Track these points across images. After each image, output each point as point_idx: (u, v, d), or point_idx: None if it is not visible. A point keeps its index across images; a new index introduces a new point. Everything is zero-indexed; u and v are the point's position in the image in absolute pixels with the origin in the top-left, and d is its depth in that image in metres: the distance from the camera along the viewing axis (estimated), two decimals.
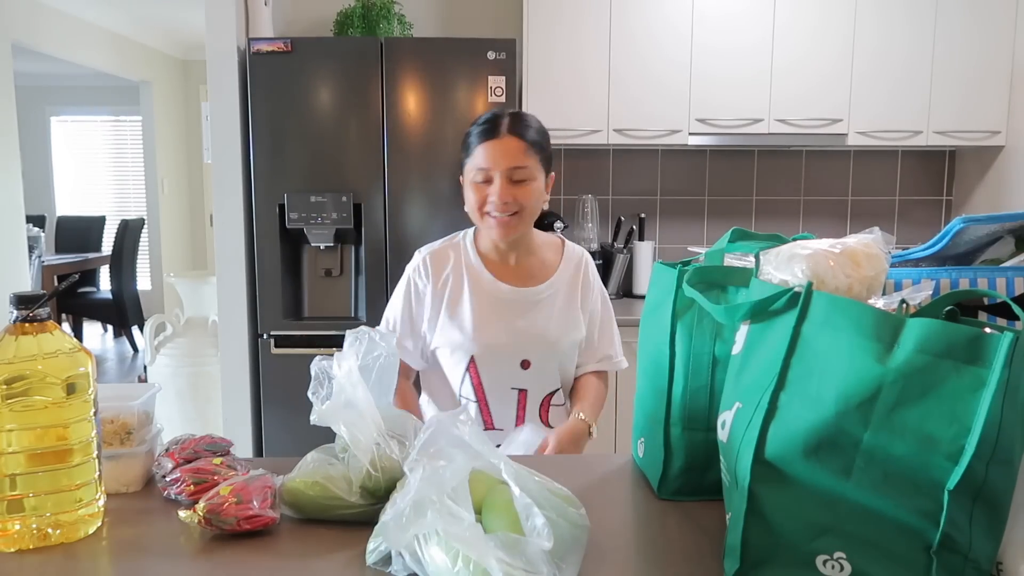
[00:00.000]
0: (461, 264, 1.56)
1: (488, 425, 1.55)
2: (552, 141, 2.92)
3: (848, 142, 2.99)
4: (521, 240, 1.55)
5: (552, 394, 1.57)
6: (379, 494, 1.02)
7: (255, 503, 0.98)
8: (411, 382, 1.62)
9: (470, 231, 1.61)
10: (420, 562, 0.83)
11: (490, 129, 1.46)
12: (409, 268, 1.60)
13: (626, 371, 2.78)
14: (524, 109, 2.92)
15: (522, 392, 1.55)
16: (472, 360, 1.53)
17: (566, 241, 1.66)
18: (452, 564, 0.80)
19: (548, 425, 1.56)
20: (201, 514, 0.95)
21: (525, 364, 1.54)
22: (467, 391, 1.55)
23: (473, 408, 1.54)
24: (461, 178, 1.54)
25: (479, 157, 1.46)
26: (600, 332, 1.65)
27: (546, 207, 1.55)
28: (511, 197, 1.45)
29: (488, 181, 1.46)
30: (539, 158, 1.49)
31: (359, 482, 1.02)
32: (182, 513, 0.97)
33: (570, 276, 1.60)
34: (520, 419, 1.55)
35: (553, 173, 1.56)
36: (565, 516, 0.86)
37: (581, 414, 1.53)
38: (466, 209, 1.52)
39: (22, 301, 0.94)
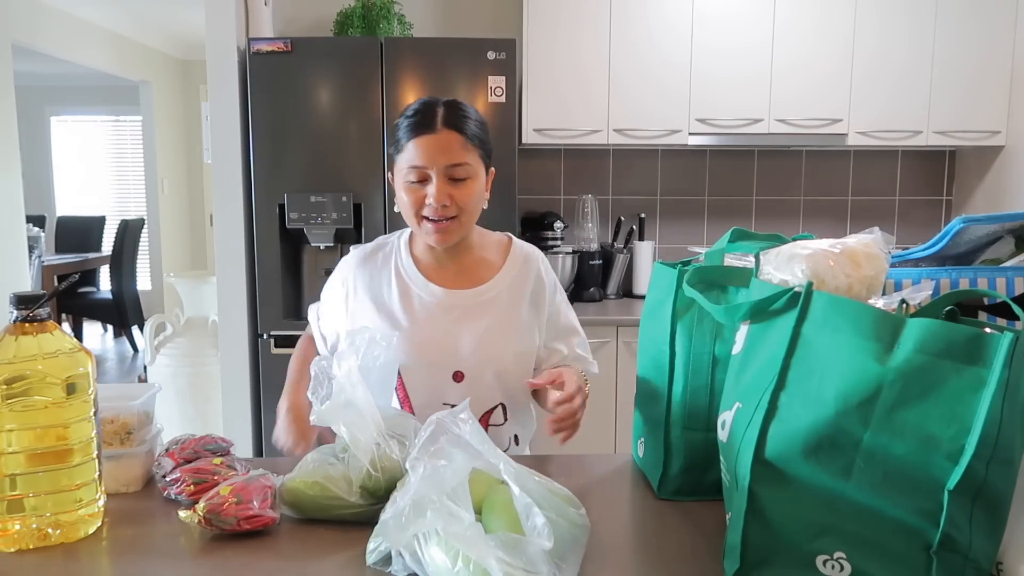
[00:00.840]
0: (390, 266, 1.42)
1: None
2: (552, 141, 2.97)
3: (848, 142, 2.99)
4: (461, 240, 1.39)
5: (491, 412, 1.38)
6: (379, 494, 1.02)
7: (255, 503, 0.98)
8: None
9: (406, 231, 1.46)
10: (420, 562, 0.83)
11: (424, 121, 1.29)
12: (336, 269, 1.48)
13: (626, 371, 2.79)
14: (524, 108, 2.92)
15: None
16: (397, 372, 1.36)
17: (514, 240, 1.48)
18: (452, 564, 0.80)
19: None
20: (201, 514, 0.95)
21: (458, 376, 1.36)
22: (396, 406, 1.38)
23: None
24: (390, 176, 1.37)
25: (412, 153, 1.29)
26: (567, 338, 1.46)
27: (486, 206, 1.40)
28: (448, 198, 1.29)
29: (423, 180, 1.29)
30: (479, 153, 1.32)
31: (359, 482, 1.02)
32: (182, 513, 0.97)
33: (514, 277, 1.42)
34: None
35: (493, 168, 1.40)
36: (565, 516, 0.86)
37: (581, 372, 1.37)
38: (397, 210, 1.37)
39: (22, 301, 0.94)
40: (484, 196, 1.38)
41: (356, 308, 1.41)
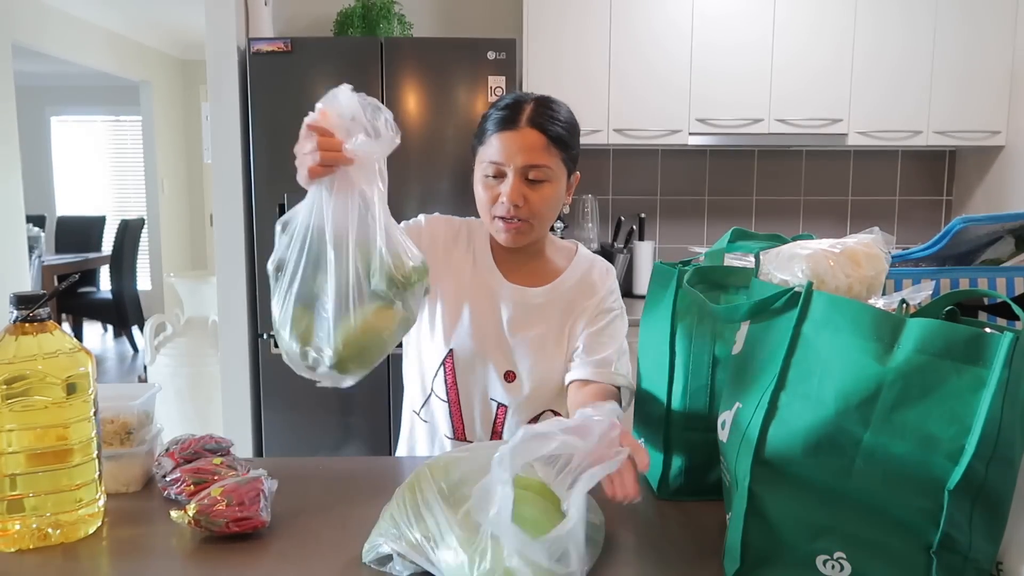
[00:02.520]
0: (473, 248, 1.38)
1: (458, 434, 1.36)
2: None
3: (848, 142, 2.99)
4: (534, 241, 1.35)
5: (538, 417, 1.35)
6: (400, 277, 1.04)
7: (246, 505, 0.97)
8: None
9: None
10: (431, 563, 0.83)
11: (508, 117, 1.25)
12: (423, 217, 1.40)
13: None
14: None
15: (501, 408, 1.34)
16: (451, 353, 1.33)
17: (580, 247, 1.45)
18: (469, 568, 0.79)
19: None
20: (191, 515, 0.95)
21: (510, 376, 1.33)
22: (439, 388, 1.35)
23: (443, 409, 1.36)
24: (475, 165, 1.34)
25: (492, 148, 1.25)
26: (596, 334, 1.35)
27: (566, 210, 1.35)
28: (522, 199, 1.25)
29: (500, 176, 1.26)
30: (562, 157, 1.27)
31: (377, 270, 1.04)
32: (173, 513, 0.96)
33: (576, 282, 1.38)
34: (497, 436, 1.35)
35: (578, 172, 1.35)
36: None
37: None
38: (476, 202, 1.33)
39: (22, 301, 0.94)
40: (563, 201, 1.33)
41: (439, 264, 1.34)
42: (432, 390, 1.37)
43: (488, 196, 1.28)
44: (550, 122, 1.26)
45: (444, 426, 1.37)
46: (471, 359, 1.34)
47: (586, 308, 1.37)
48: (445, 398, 1.36)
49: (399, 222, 1.34)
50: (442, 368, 1.35)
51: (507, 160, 1.24)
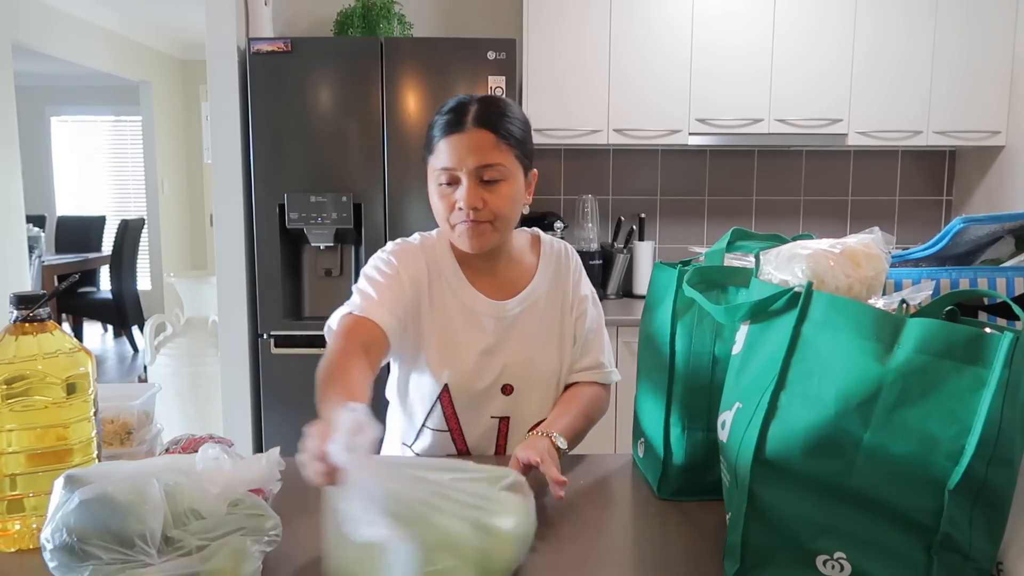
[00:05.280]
0: (440, 266, 1.32)
1: (460, 448, 1.34)
2: (552, 141, 2.97)
3: (848, 142, 2.99)
4: (501, 246, 1.31)
5: (540, 423, 1.29)
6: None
7: None
8: (369, 362, 1.15)
9: (442, 233, 1.34)
10: None
11: (454, 120, 1.21)
12: (393, 258, 1.30)
13: (626, 371, 2.78)
14: (524, 108, 2.91)
15: (503, 420, 1.33)
16: (445, 389, 1.29)
17: (542, 236, 1.41)
18: None
19: None
20: None
21: (507, 389, 1.31)
22: (436, 422, 1.32)
23: (441, 437, 1.33)
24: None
25: (442, 154, 1.21)
26: (589, 335, 1.40)
27: (527, 210, 1.31)
28: (480, 202, 1.21)
29: (453, 183, 1.22)
30: (515, 153, 1.24)
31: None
32: None
33: (551, 278, 1.37)
34: (501, 448, 1.34)
35: (535, 170, 1.32)
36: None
37: (547, 432, 1.20)
38: (434, 213, 1.29)
39: (22, 301, 0.94)
40: (523, 200, 1.29)
41: (424, 303, 1.29)
42: (424, 424, 1.33)
43: (445, 205, 1.23)
44: (498, 119, 1.22)
45: (445, 452, 1.33)
46: (467, 386, 1.30)
47: (564, 292, 1.38)
48: (445, 427, 1.32)
49: (397, 237, 1.33)
50: (438, 403, 1.31)
51: (458, 164, 1.20)
